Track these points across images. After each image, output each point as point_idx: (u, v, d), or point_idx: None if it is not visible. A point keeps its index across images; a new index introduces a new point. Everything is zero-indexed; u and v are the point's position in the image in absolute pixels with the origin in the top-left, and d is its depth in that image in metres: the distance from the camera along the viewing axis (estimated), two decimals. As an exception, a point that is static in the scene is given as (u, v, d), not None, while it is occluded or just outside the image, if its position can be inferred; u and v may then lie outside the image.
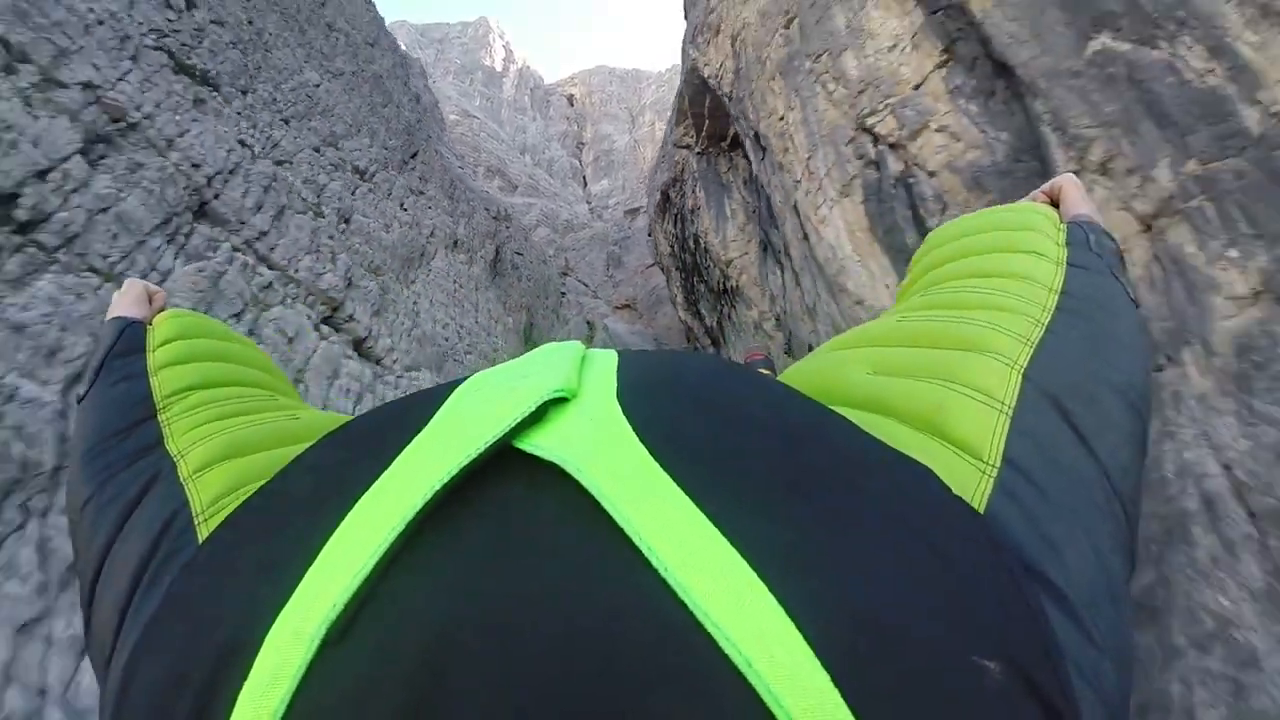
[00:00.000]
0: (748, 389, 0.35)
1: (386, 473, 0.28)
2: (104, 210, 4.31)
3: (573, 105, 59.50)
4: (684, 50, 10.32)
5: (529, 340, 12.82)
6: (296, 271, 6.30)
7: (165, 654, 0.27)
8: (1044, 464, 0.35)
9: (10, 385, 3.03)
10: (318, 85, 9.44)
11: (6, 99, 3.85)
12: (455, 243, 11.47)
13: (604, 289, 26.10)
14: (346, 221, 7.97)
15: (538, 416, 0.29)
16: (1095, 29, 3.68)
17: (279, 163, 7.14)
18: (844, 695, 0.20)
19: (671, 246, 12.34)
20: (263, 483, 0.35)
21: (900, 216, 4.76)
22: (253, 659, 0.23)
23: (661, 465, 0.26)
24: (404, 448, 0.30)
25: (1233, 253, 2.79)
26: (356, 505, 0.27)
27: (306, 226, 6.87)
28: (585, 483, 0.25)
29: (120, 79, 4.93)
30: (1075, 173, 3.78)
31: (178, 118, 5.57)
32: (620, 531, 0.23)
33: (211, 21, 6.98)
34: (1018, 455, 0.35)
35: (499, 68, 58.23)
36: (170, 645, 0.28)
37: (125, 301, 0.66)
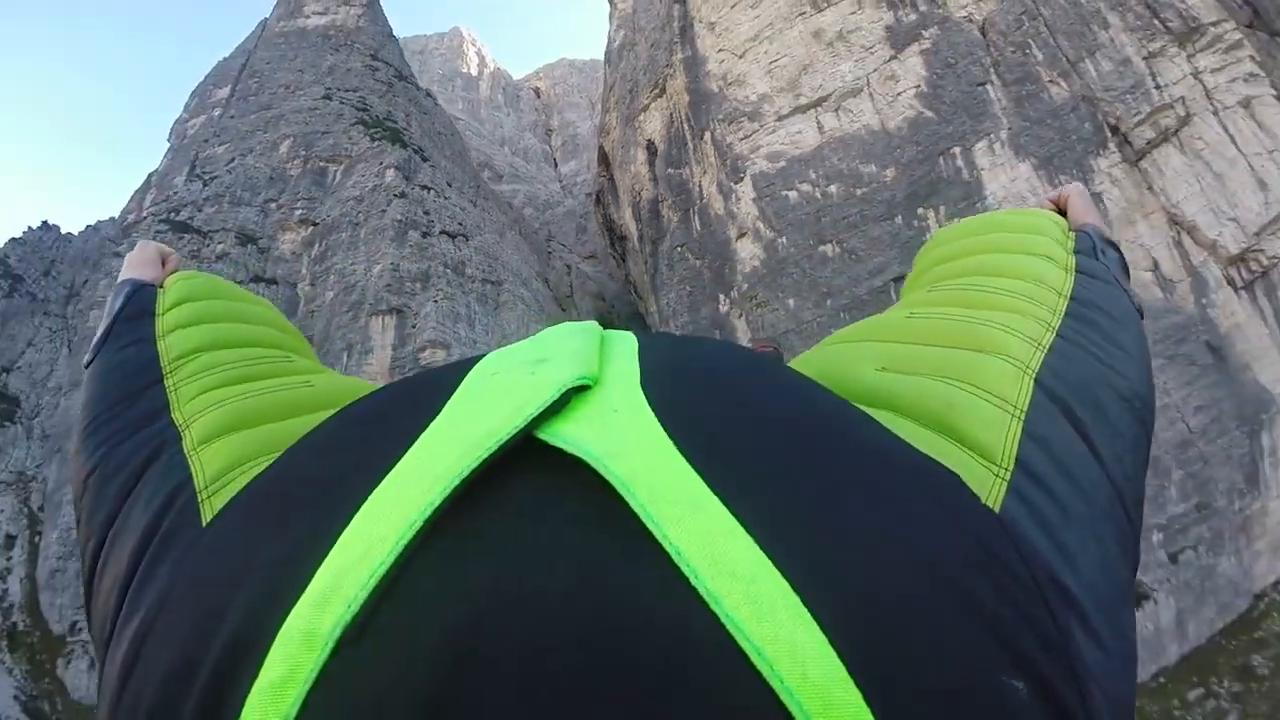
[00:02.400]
0: (773, 383, 0.35)
1: (401, 462, 0.27)
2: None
3: (539, 97, 71.55)
4: (596, 136, 24.67)
5: (538, 270, 27.13)
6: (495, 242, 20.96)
7: (171, 644, 0.27)
8: (1055, 469, 0.35)
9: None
10: (457, 182, 23.58)
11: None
12: (511, 225, 25.92)
13: (576, 246, 40.05)
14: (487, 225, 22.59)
15: (559, 404, 0.28)
16: (670, 166, 18.41)
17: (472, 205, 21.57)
18: (875, 715, 0.20)
19: (602, 219, 26.85)
20: (271, 460, 0.35)
21: (639, 214, 19.28)
22: (263, 657, 0.22)
23: (690, 462, 0.25)
24: (420, 433, 0.29)
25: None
26: (372, 496, 0.26)
27: (492, 230, 21.61)
28: (613, 480, 0.24)
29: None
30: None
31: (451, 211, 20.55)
32: (646, 533, 0.23)
33: (449, 176, 21.68)
34: (1029, 459, 0.34)
35: (474, 72, 70.06)
36: (176, 635, 0.27)
37: (136, 263, 0.62)
